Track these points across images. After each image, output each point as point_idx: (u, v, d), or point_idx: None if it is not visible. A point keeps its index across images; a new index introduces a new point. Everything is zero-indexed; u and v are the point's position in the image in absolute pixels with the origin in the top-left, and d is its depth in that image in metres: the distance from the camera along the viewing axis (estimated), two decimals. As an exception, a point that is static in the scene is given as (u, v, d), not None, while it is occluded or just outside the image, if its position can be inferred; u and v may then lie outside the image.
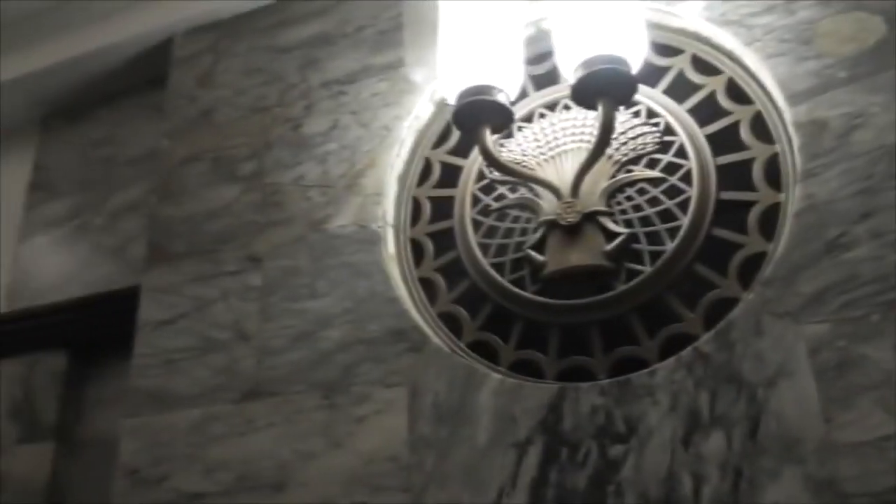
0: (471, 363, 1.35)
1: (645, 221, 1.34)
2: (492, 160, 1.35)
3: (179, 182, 1.73)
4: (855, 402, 1.07)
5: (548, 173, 1.41)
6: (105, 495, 1.55)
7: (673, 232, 1.31)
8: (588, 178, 1.37)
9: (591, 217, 1.35)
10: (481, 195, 1.50)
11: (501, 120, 1.34)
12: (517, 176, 1.39)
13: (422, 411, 1.33)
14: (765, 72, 1.30)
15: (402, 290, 1.47)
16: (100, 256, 1.96)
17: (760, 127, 1.32)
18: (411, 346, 1.39)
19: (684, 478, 1.12)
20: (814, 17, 1.28)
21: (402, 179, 1.57)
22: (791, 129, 1.25)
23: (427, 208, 1.55)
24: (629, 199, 1.37)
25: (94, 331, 1.89)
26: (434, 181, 1.57)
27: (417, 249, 1.53)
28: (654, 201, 1.35)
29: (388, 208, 1.54)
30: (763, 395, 1.12)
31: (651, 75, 1.41)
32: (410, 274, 1.51)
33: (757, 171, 1.30)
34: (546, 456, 1.22)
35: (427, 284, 1.50)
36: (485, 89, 1.32)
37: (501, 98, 1.32)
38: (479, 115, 1.33)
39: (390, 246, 1.51)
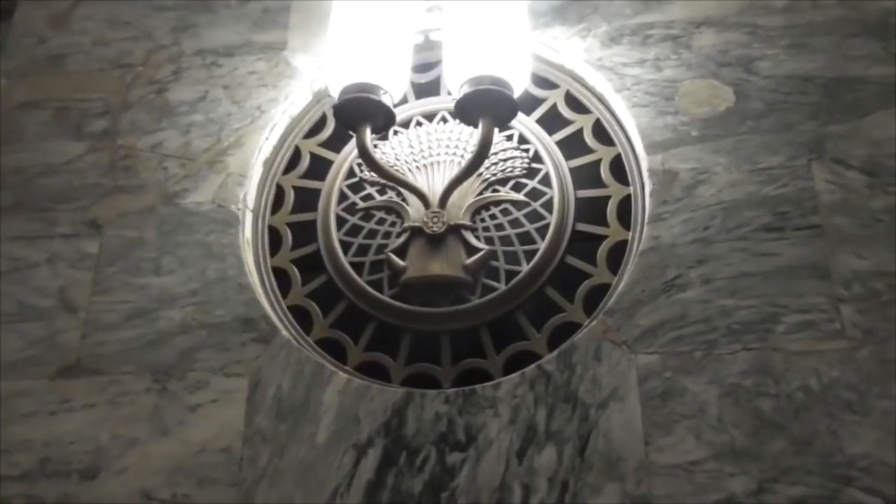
0: (319, 360, 1.33)
1: (505, 241, 1.40)
2: (368, 159, 1.35)
3: (15, 128, 1.55)
4: (672, 429, 1.17)
5: (419, 181, 1.43)
6: None
7: (529, 255, 1.38)
8: (456, 192, 1.41)
9: (455, 229, 1.39)
10: (349, 192, 1.48)
11: (383, 121, 1.34)
12: (391, 179, 1.39)
13: (262, 404, 1.28)
14: (629, 119, 1.40)
15: (254, 278, 1.41)
16: None
17: (618, 168, 1.43)
18: (259, 336, 1.34)
19: (515, 488, 1.17)
20: (677, 77, 1.40)
21: (269, 164, 1.52)
22: (645, 175, 1.36)
23: (291, 197, 1.51)
24: (493, 217, 1.42)
25: None
26: (302, 171, 1.53)
27: (275, 238, 1.48)
28: (515, 223, 1.41)
29: (251, 192, 1.48)
30: (595, 416, 1.20)
31: (527, 104, 1.48)
32: (265, 262, 1.46)
33: (611, 209, 1.40)
34: (385, 459, 1.22)
35: (281, 275, 1.46)
36: (371, 88, 1.31)
37: (386, 99, 1.32)
38: (361, 113, 1.32)
39: (248, 230, 1.45)
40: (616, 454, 1.17)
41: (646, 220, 1.33)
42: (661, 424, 1.18)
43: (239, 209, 1.44)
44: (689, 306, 1.25)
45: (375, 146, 1.48)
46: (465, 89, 1.30)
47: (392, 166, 1.45)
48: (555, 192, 1.41)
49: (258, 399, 1.29)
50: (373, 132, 1.34)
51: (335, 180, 1.50)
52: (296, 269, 1.45)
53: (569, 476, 1.17)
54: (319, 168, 1.53)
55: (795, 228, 1.27)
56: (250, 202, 1.48)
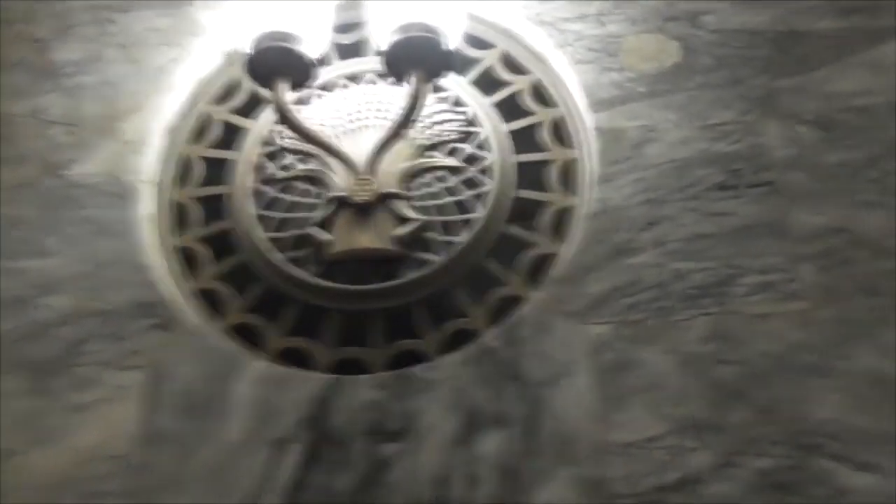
0: (231, 348, 1.16)
1: (440, 210, 1.27)
2: (287, 119, 1.20)
3: None
4: (628, 404, 1.06)
5: (345, 147, 1.28)
6: None
7: (467, 225, 1.25)
8: (386, 159, 1.27)
9: (385, 198, 1.25)
10: (267, 162, 1.33)
11: (301, 75, 1.20)
12: (313, 142, 1.24)
13: (164, 400, 1.11)
14: (572, 76, 1.30)
15: (155, 258, 1.23)
16: None
17: (561, 131, 1.32)
18: (159, 322, 1.16)
19: (458, 480, 1.03)
20: (621, 32, 1.31)
21: (174, 132, 1.35)
22: (592, 135, 1.26)
23: (199, 169, 1.34)
24: (427, 185, 1.29)
25: None
26: (212, 140, 1.37)
27: (182, 214, 1.31)
28: (451, 191, 1.28)
29: (151, 162, 1.30)
30: (544, 394, 1.08)
31: (461, 65, 1.36)
32: (169, 241, 1.29)
33: (554, 174, 1.29)
34: (309, 455, 1.06)
35: (188, 255, 1.29)
36: (286, 37, 1.17)
37: (304, 49, 1.18)
38: (276, 66, 1.17)
39: (148, 205, 1.28)
40: (568, 435, 1.05)
41: (594, 182, 1.22)
42: (616, 399, 1.07)
43: (136, 181, 1.26)
44: (642, 271, 1.14)
45: (298, 111, 1.33)
46: (393, 38, 1.17)
47: (318, 132, 1.30)
48: (494, 157, 1.29)
49: (160, 395, 1.12)
50: (291, 88, 1.20)
51: (251, 150, 1.34)
52: (205, 249, 1.29)
53: (518, 462, 1.04)
54: (233, 137, 1.36)
55: (749, 186, 1.18)
56: (151, 174, 1.30)
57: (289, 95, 1.23)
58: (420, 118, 1.29)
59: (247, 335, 1.22)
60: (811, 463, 1.01)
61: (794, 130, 1.21)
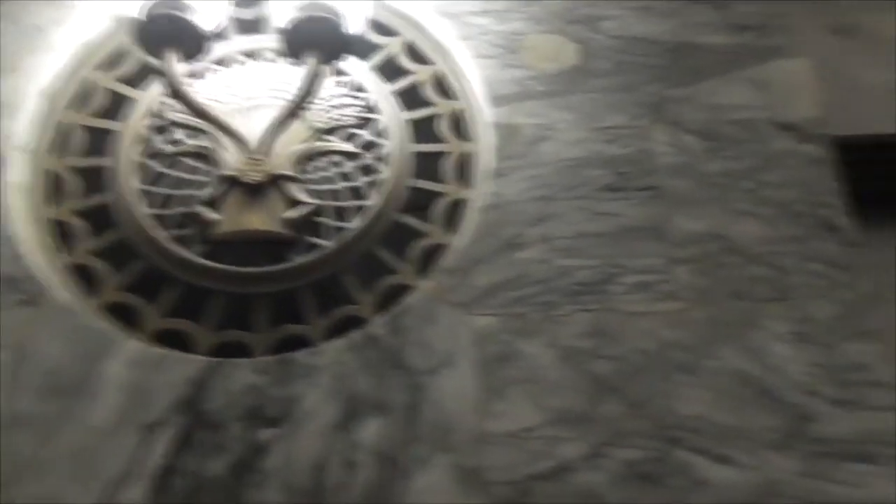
0: (103, 327, 1.11)
1: (334, 196, 1.25)
2: (176, 91, 1.15)
3: None
4: (508, 394, 1.08)
5: (239, 125, 1.24)
6: None
7: (359, 211, 1.24)
8: (281, 140, 1.24)
9: (277, 180, 1.22)
10: (154, 136, 1.27)
11: (193, 46, 1.15)
12: (203, 117, 1.20)
13: (27, 381, 1.05)
14: (473, 70, 1.31)
15: (23, 230, 1.16)
16: None
17: (460, 124, 1.33)
18: (24, 298, 1.10)
19: (336, 466, 1.03)
20: (522, 30, 1.33)
21: (52, 97, 1.27)
22: (489, 129, 1.27)
23: (79, 138, 1.27)
24: (321, 168, 1.27)
25: None
26: (95, 108, 1.29)
27: (58, 184, 1.24)
28: (345, 176, 1.27)
29: (23, 127, 1.22)
30: (426, 383, 1.08)
31: (364, 51, 1.34)
32: (42, 212, 1.21)
33: (449, 165, 1.29)
34: (181, 439, 1.03)
35: (63, 229, 1.22)
36: (180, 6, 1.12)
37: (198, 20, 1.13)
38: (168, 35, 1.12)
39: (17, 173, 1.20)
40: (448, 423, 1.06)
41: (488, 176, 1.24)
42: (496, 390, 1.08)
43: (8, 147, 1.18)
44: (529, 266, 1.17)
45: (190, 85, 1.28)
46: (293, 17, 1.14)
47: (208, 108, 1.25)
48: (391, 145, 1.28)
49: (21, 374, 1.05)
50: (183, 59, 1.15)
51: (136, 121, 1.28)
52: (82, 222, 1.22)
53: (396, 449, 1.04)
54: (118, 106, 1.30)
55: (636, 189, 1.23)
56: (22, 139, 1.22)
57: (181, 67, 1.18)
58: (319, 101, 1.27)
59: (124, 315, 1.17)
60: (674, 455, 1.06)
61: (680, 139, 1.27)
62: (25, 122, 1.22)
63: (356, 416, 1.06)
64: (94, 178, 1.25)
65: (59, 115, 1.27)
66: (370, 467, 1.03)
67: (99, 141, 1.27)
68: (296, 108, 1.19)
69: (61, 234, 1.21)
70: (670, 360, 1.12)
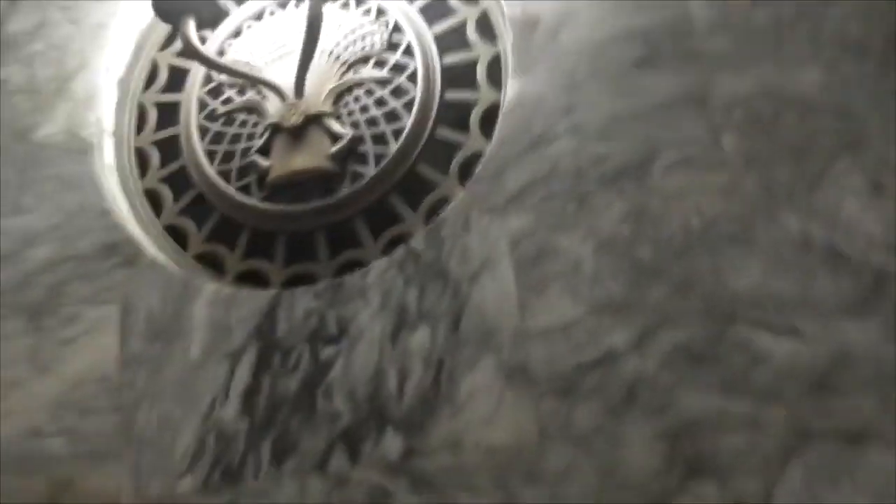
0: (187, 275, 1.27)
1: (371, 123, 1.30)
2: (196, 54, 1.25)
3: None
4: (548, 290, 1.09)
5: (275, 74, 1.33)
6: None
7: (398, 133, 1.28)
8: (315, 80, 1.31)
9: (315, 119, 1.29)
10: (208, 99, 1.39)
11: (209, 13, 1.24)
12: (234, 74, 1.30)
13: (133, 328, 1.23)
14: (486, -33, 1.28)
15: (118, 203, 1.34)
16: None
17: (486, 26, 1.30)
18: (123, 260, 1.27)
19: (390, 373, 1.11)
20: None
21: (124, 83, 1.43)
22: (508, 26, 1.24)
23: (153, 115, 1.43)
24: (357, 100, 1.32)
25: None
26: (161, 85, 1.44)
27: (142, 159, 1.41)
28: (380, 102, 1.31)
29: (105, 114, 1.39)
30: (466, 290, 1.12)
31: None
32: (134, 186, 1.39)
33: (480, 71, 1.28)
34: (259, 363, 1.16)
35: (153, 196, 1.39)
36: (190, -26, 1.21)
37: (208, -15, 1.21)
38: (180, 5, 1.21)
39: (107, 155, 1.38)
40: (490, 325, 1.10)
41: (510, 76, 1.22)
42: (535, 287, 1.10)
43: (91, 134, 1.36)
44: (559, 160, 1.14)
45: (230, 45, 1.38)
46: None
47: (247, 63, 1.35)
48: (418, 62, 1.30)
49: (130, 323, 1.24)
50: (201, 26, 1.24)
51: (193, 89, 1.40)
52: (167, 188, 1.38)
53: (444, 354, 1.10)
54: (180, 80, 1.43)
55: (669, 58, 1.14)
56: (107, 125, 1.40)
57: (225, 28, 1.27)
58: (345, 35, 1.31)
59: (212, 262, 1.32)
60: (730, 332, 1.01)
61: (716, -8, 1.15)
62: (105, 110, 1.39)
63: (405, 328, 1.13)
64: (170, 148, 1.40)
65: (136, 98, 1.43)
66: (422, 373, 1.10)
67: (170, 113, 1.42)
68: (308, 49, 1.24)
69: (151, 201, 1.38)
70: (719, 235, 1.06)
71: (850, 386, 0.95)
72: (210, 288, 1.23)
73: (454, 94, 1.29)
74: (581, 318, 1.07)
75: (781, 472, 0.94)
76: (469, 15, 1.32)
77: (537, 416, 1.03)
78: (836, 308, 0.99)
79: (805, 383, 0.96)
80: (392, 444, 1.07)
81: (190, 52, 1.24)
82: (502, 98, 1.24)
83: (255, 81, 1.30)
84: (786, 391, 0.96)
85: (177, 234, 1.35)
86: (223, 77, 1.37)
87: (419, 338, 1.12)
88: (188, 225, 1.35)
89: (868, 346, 0.97)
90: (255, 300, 1.20)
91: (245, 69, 1.30)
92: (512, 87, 1.20)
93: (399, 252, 1.17)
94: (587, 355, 1.05)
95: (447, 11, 1.33)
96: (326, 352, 1.15)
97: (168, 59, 1.45)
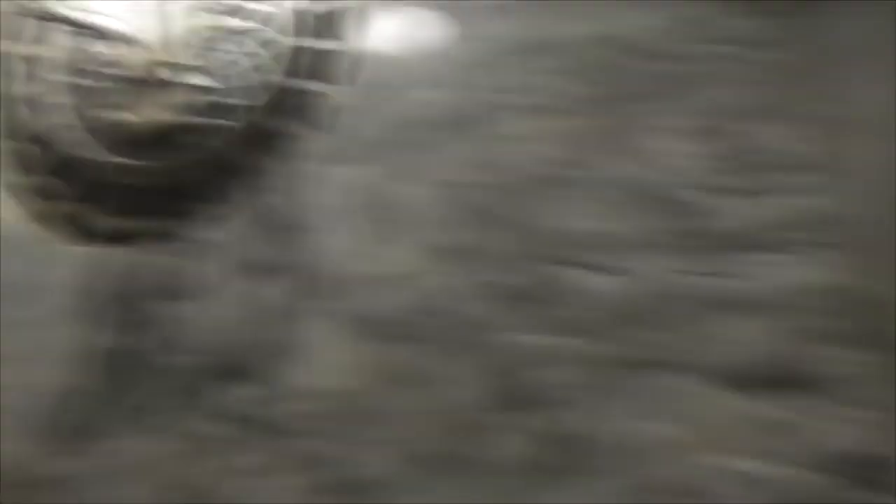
0: (46, 236, 1.25)
1: (236, 75, 1.28)
2: (53, 15, 1.22)
3: None
4: (394, 239, 1.11)
5: (140, 26, 1.30)
6: None
7: (261, 85, 1.26)
8: (181, 34, 1.28)
9: (180, 72, 1.27)
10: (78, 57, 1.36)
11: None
12: (93, 30, 1.27)
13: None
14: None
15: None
16: None
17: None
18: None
19: (243, 326, 1.12)
20: None
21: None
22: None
23: (21, 69, 1.39)
24: (224, 52, 1.29)
25: None
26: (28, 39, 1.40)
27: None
28: (247, 54, 1.29)
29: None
30: (318, 241, 1.12)
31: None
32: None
33: (343, 24, 1.27)
34: (114, 321, 1.16)
35: (22, 157, 1.36)
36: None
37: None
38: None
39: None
40: (340, 275, 1.11)
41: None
42: (382, 237, 1.10)
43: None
44: (409, 110, 1.15)
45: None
46: None
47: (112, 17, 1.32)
48: (285, 13, 1.28)
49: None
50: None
51: (56, 43, 1.37)
52: (34, 148, 1.35)
53: (295, 304, 1.11)
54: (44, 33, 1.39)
55: (517, 5, 1.14)
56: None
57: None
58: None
59: (70, 222, 1.30)
60: (564, 275, 1.04)
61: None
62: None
63: (257, 280, 1.13)
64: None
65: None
66: (273, 324, 1.11)
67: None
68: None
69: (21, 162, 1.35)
70: (558, 180, 1.07)
71: (671, 321, 0.98)
72: (67, 249, 1.22)
73: (317, 45, 1.28)
74: (424, 265, 1.08)
75: (607, 404, 0.97)
76: (331, -38, 1.30)
77: (382, 360, 1.05)
78: (659, 244, 1.02)
79: (632, 319, 0.99)
80: (246, 393, 1.08)
81: (42, 12, 1.21)
82: (356, 50, 1.23)
83: (121, 38, 1.28)
84: (615, 328, 0.99)
85: (42, 194, 1.33)
86: (86, 31, 1.34)
87: (271, 289, 1.12)
88: (53, 184, 1.33)
89: (688, 278, 1.00)
90: (112, 259, 1.20)
91: (100, 23, 1.28)
92: (360, 41, 1.20)
93: (253, 204, 1.17)
94: (430, 302, 1.07)
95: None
96: (180, 307, 1.15)
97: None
